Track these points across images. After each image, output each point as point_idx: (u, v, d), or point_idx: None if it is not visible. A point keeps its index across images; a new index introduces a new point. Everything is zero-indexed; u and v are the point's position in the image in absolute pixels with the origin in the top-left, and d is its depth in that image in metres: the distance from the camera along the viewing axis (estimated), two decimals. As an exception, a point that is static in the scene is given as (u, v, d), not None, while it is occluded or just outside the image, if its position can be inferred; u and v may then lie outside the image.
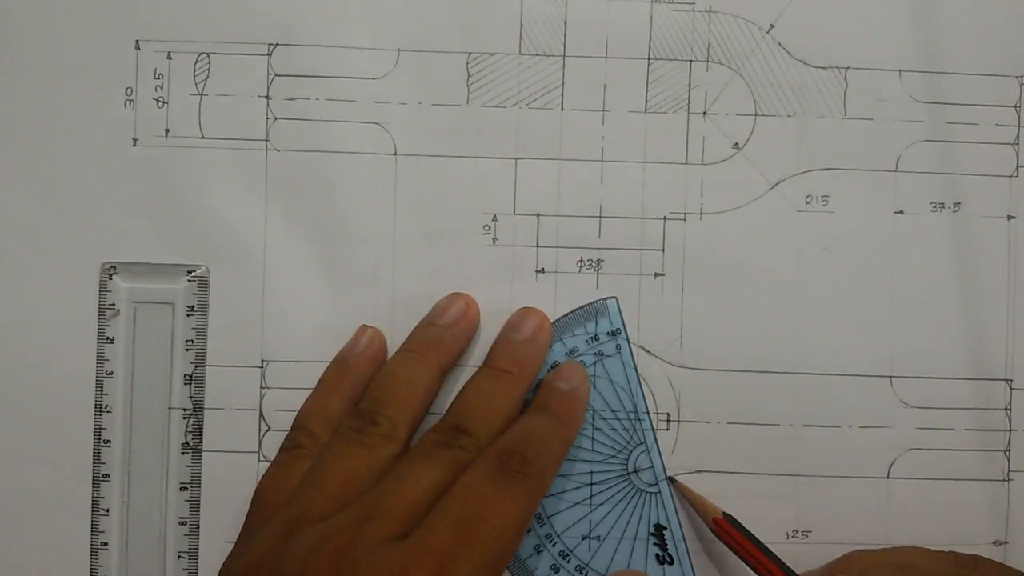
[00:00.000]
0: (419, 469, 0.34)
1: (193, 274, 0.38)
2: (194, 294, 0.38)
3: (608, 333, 0.38)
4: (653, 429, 0.38)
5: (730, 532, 0.36)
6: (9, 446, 0.38)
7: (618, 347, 0.38)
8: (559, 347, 0.38)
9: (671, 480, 0.38)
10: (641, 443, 0.38)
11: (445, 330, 0.37)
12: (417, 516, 0.32)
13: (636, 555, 0.38)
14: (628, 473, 0.38)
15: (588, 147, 0.39)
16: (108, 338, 0.38)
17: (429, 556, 0.31)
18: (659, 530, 0.38)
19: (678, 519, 0.38)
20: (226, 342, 0.38)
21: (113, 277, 0.38)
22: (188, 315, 0.38)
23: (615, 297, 0.38)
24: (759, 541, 0.36)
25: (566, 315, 0.38)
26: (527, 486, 0.33)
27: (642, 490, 0.38)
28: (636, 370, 0.38)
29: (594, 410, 0.38)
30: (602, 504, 0.38)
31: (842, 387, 0.38)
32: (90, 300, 0.38)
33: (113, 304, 0.38)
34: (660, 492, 0.38)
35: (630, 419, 0.38)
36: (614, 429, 0.38)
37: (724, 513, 0.36)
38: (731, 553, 0.37)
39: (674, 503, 0.38)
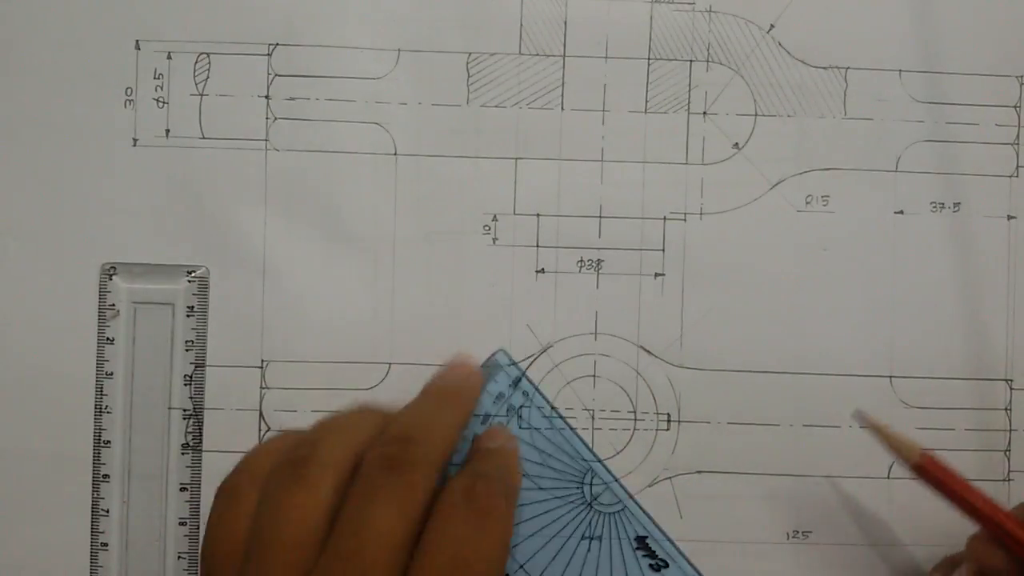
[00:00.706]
0: (371, 510, 0.30)
1: (193, 274, 0.38)
2: (194, 294, 0.38)
3: (510, 385, 0.37)
4: (597, 459, 0.38)
5: (935, 472, 0.34)
6: (9, 446, 0.38)
7: (525, 394, 0.37)
8: (473, 420, 0.36)
9: (861, 414, 0.36)
10: (588, 471, 0.37)
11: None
12: (390, 568, 0.29)
13: (631, 570, 0.37)
14: (589, 504, 0.37)
15: (588, 147, 0.39)
16: (108, 339, 0.38)
17: None
18: (641, 541, 0.37)
19: (655, 525, 0.37)
20: (226, 342, 0.38)
21: (113, 278, 0.38)
22: (188, 315, 0.38)
23: (501, 349, 0.38)
24: (964, 479, 0.34)
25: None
26: (497, 512, 0.31)
27: (610, 513, 0.37)
28: (552, 407, 0.37)
29: (534, 463, 0.37)
30: (577, 539, 0.37)
31: (842, 387, 0.38)
32: (90, 300, 0.38)
33: (113, 305, 0.38)
34: (626, 508, 0.37)
35: (569, 455, 0.37)
36: (558, 471, 0.37)
37: (923, 451, 0.35)
38: (733, 549, 0.37)
39: (645, 512, 0.38)
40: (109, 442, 0.38)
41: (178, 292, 0.38)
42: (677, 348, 0.38)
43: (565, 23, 0.38)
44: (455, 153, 0.38)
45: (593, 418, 0.38)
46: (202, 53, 0.38)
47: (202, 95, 0.38)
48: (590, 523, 0.37)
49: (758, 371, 0.38)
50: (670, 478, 0.38)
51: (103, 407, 0.38)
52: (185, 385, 0.38)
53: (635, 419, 0.38)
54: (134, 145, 0.38)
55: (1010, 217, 0.39)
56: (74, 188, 0.38)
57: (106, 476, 0.38)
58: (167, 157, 0.38)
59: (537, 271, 0.39)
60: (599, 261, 0.39)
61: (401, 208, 0.38)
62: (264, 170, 0.38)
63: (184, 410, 0.38)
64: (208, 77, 0.38)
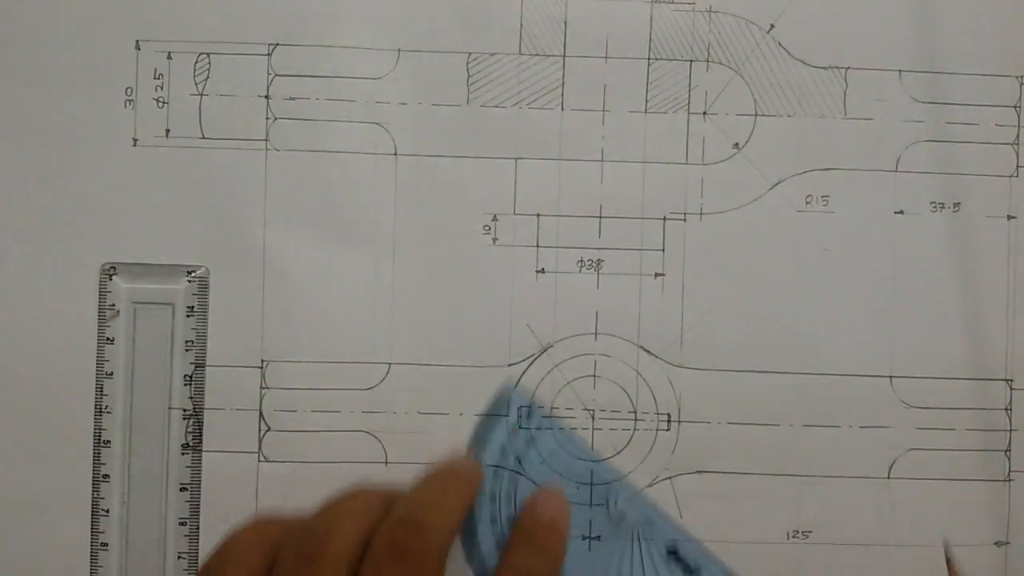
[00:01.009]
0: None
1: (193, 274, 0.38)
2: (194, 294, 0.38)
3: (524, 409, 0.37)
4: (619, 477, 0.37)
5: None
6: (9, 446, 0.38)
7: (539, 420, 0.37)
8: (492, 450, 0.36)
9: (950, 549, 0.37)
10: (614, 485, 0.37)
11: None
12: None
13: None
14: (613, 518, 0.37)
15: (588, 147, 0.39)
16: (108, 339, 0.38)
17: None
18: (672, 552, 0.37)
19: (681, 531, 0.37)
20: (226, 342, 0.38)
21: (113, 278, 0.38)
22: (188, 315, 0.38)
23: (505, 386, 0.37)
24: None
25: (478, 420, 0.37)
26: None
27: (637, 529, 0.37)
28: (564, 430, 0.37)
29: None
30: (610, 556, 0.37)
31: (842, 387, 0.38)
32: (90, 301, 0.38)
33: (113, 305, 0.38)
34: (651, 518, 0.37)
35: (589, 476, 0.37)
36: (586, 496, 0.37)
37: None
38: (733, 549, 0.37)
39: (671, 521, 0.37)
40: (109, 442, 0.38)
41: (178, 292, 0.38)
42: (677, 348, 0.38)
43: (565, 23, 0.38)
44: (455, 153, 0.38)
45: (593, 418, 0.38)
46: (202, 53, 0.38)
47: (202, 95, 0.38)
48: (620, 542, 0.37)
49: (758, 371, 0.38)
50: (670, 478, 0.38)
51: (103, 407, 0.38)
52: (185, 385, 0.38)
53: (635, 419, 0.38)
54: (134, 145, 0.38)
55: (1010, 217, 0.39)
56: (74, 188, 0.38)
57: (106, 476, 0.38)
58: (167, 157, 0.38)
59: (537, 271, 0.39)
60: (599, 261, 0.39)
61: (401, 208, 0.38)
62: (264, 170, 0.38)
63: (184, 410, 0.38)
64: (208, 77, 0.38)
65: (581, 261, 0.39)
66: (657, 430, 0.38)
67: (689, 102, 0.39)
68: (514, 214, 0.38)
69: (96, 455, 0.38)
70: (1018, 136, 0.39)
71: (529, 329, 0.38)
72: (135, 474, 0.38)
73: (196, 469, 0.38)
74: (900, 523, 0.38)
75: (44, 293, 0.38)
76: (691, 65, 0.39)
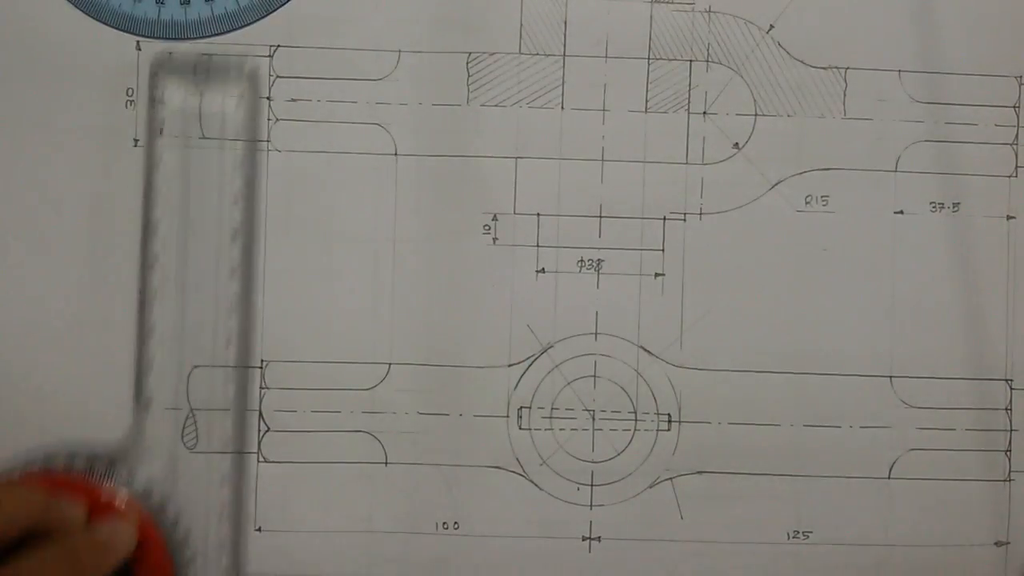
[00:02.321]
0: None
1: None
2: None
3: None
4: None
5: None
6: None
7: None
8: None
9: None
10: None
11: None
12: None
13: None
14: None
15: (588, 147, 0.39)
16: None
17: None
18: None
19: None
20: (226, 342, 0.38)
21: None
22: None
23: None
24: None
25: None
26: None
27: None
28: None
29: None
30: None
31: (842, 387, 0.38)
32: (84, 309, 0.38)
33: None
34: None
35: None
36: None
37: None
38: (733, 549, 0.37)
39: None
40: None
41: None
42: (677, 348, 0.38)
43: (565, 23, 0.39)
44: (455, 153, 0.38)
45: (594, 419, 0.38)
46: (203, 54, 0.38)
47: (203, 96, 0.38)
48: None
49: (758, 371, 0.38)
50: (671, 479, 0.38)
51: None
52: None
53: (636, 419, 0.38)
54: (135, 145, 0.38)
55: (1009, 217, 0.39)
56: (75, 188, 0.38)
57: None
58: (168, 158, 0.38)
59: (537, 271, 0.39)
60: (599, 261, 0.39)
61: (401, 208, 0.38)
62: (265, 171, 0.38)
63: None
64: (209, 78, 0.38)
65: (581, 261, 0.39)
66: (658, 430, 0.38)
67: (689, 102, 0.39)
68: (514, 214, 0.38)
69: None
70: (1017, 136, 0.39)
71: (529, 329, 0.38)
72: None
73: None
74: (900, 523, 0.38)
75: (43, 298, 0.38)
76: (691, 65, 0.39)
